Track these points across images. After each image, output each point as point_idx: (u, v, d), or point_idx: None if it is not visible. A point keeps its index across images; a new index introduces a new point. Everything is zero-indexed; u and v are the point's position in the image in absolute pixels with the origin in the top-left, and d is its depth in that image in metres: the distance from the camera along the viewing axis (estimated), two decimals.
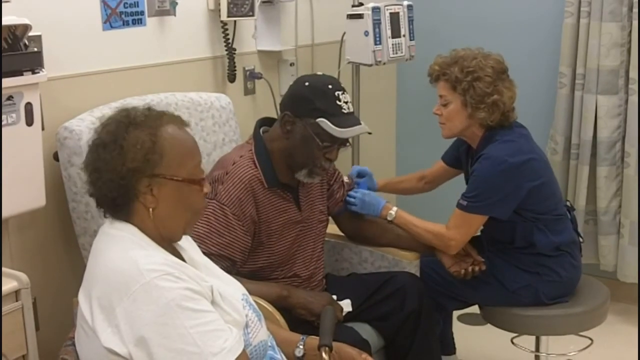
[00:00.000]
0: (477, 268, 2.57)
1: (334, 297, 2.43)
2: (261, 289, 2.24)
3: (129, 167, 1.56)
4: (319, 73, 2.43)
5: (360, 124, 2.34)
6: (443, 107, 2.61)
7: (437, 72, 2.62)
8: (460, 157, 2.82)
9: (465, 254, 2.62)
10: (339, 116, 2.29)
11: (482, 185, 2.51)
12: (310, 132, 2.29)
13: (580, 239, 2.77)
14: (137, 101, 2.43)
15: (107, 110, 2.27)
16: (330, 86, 2.32)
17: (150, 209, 1.60)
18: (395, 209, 2.62)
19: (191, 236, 2.19)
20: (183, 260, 1.69)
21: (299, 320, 2.28)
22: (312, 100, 2.29)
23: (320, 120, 2.28)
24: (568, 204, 2.80)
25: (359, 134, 2.39)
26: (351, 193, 2.67)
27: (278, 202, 2.38)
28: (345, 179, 2.72)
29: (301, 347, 1.85)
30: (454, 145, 2.88)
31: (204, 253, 1.85)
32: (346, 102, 2.33)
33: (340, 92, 2.32)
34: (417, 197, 3.09)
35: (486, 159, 2.51)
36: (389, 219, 2.62)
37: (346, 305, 2.43)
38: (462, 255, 2.61)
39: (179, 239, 1.71)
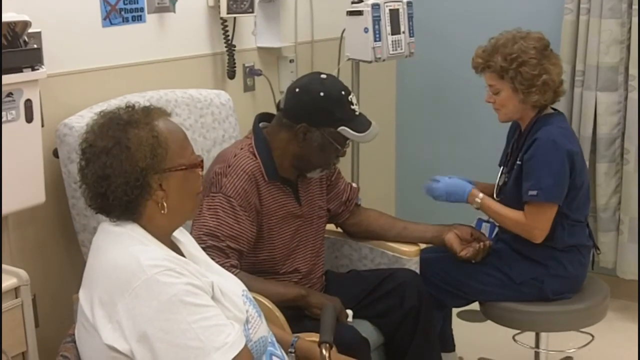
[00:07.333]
0: (486, 244, 2.60)
1: None
2: (278, 288, 2.30)
3: (141, 167, 1.56)
4: (323, 76, 2.39)
5: (370, 122, 2.39)
6: (495, 95, 2.61)
7: (481, 64, 2.61)
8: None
9: (474, 239, 2.64)
10: (354, 120, 2.35)
11: (547, 170, 2.49)
12: (328, 139, 2.34)
13: (598, 251, 2.81)
14: (137, 98, 2.43)
15: (107, 107, 2.27)
16: (343, 92, 2.35)
17: (163, 203, 1.60)
18: (481, 195, 2.62)
19: (201, 232, 2.20)
20: (182, 255, 1.69)
21: (299, 318, 2.28)
22: (332, 112, 2.32)
23: (342, 129, 2.33)
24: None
25: (376, 134, 2.41)
26: (432, 185, 2.66)
27: (278, 195, 2.39)
28: (354, 185, 2.73)
29: (292, 352, 1.88)
30: (505, 147, 2.84)
31: (212, 247, 1.84)
32: (356, 104, 2.38)
33: (351, 96, 2.36)
34: (416, 194, 3.07)
35: (545, 142, 2.50)
36: (474, 206, 2.62)
37: (349, 315, 2.43)
38: (469, 241, 2.63)
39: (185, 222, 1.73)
